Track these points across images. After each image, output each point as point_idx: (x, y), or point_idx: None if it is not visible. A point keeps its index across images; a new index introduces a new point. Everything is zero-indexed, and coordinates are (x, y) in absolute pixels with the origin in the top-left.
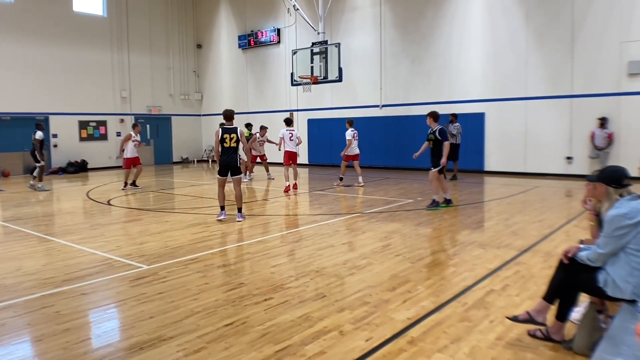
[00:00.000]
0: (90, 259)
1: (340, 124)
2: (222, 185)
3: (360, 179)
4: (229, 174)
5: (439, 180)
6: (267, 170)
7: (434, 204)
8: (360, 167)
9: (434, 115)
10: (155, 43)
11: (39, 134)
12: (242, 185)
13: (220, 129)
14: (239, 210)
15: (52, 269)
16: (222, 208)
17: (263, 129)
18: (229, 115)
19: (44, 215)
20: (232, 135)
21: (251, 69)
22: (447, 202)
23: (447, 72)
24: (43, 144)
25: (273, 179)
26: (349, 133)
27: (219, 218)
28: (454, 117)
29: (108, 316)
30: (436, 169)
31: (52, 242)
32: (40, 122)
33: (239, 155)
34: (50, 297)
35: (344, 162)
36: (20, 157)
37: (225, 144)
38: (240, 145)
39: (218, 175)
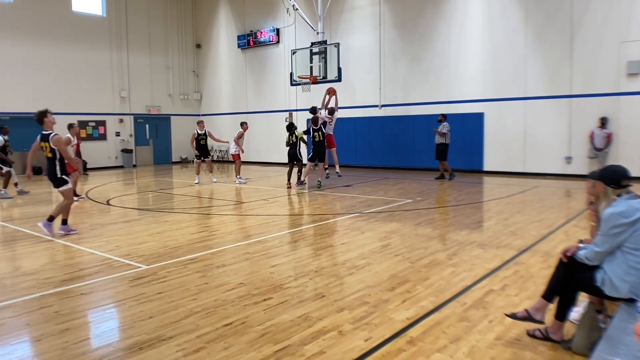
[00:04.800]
0: (89, 259)
1: (340, 124)
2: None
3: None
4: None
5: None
6: (336, 165)
7: None
8: (360, 167)
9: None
10: (155, 43)
11: None
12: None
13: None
14: (59, 220)
15: (51, 269)
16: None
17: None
18: (37, 118)
19: (42, 215)
20: (45, 144)
21: (250, 68)
22: None
23: (446, 72)
24: (5, 149)
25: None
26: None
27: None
28: (443, 117)
29: (107, 316)
30: None
31: (51, 242)
32: (5, 124)
33: (58, 165)
34: (49, 297)
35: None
36: (20, 157)
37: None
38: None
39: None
